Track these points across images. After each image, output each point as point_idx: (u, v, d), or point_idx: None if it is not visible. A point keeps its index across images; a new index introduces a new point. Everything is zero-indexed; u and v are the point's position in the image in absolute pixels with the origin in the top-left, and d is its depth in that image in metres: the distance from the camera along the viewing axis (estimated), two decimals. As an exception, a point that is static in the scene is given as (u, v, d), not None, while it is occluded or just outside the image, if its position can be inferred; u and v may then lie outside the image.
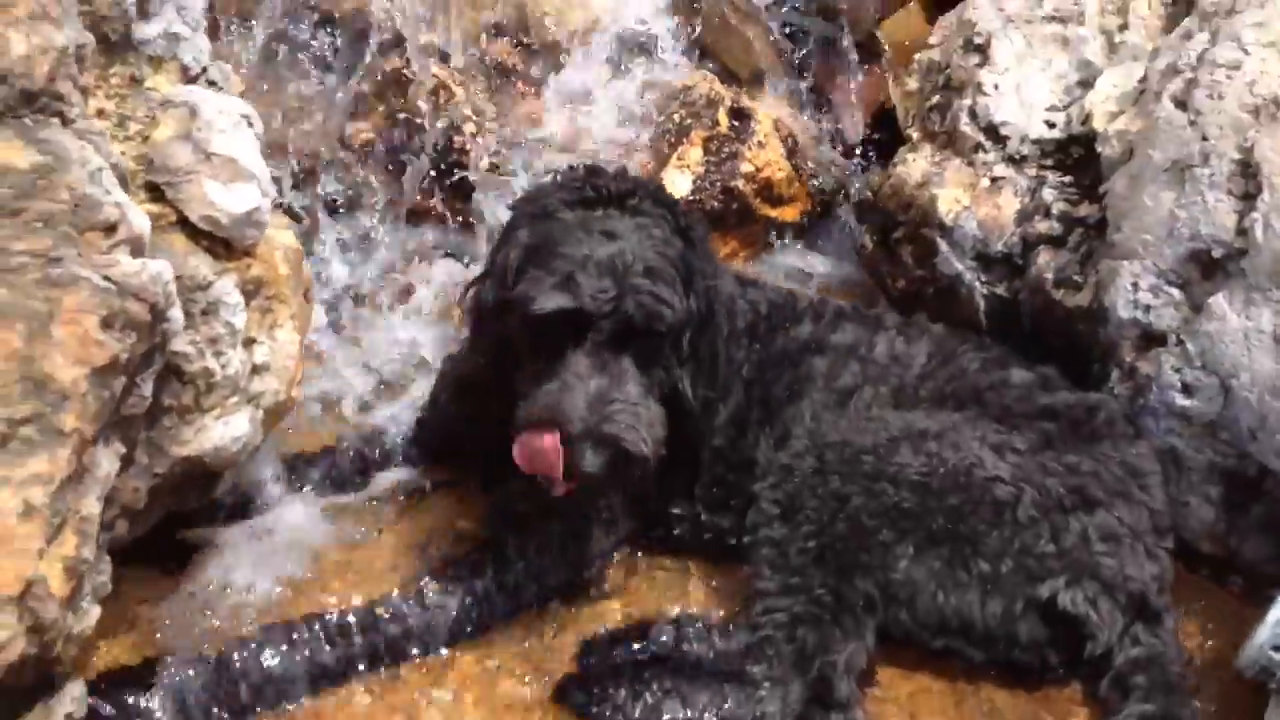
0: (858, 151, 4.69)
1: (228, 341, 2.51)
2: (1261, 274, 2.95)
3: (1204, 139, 3.10)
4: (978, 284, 3.66)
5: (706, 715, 2.70)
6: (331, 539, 3.07)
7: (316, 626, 2.73)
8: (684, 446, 2.99)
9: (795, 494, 2.91)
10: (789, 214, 4.41)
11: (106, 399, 2.02)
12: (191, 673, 2.55)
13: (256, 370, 2.64)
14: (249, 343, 2.62)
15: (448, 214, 4.12)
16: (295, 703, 2.64)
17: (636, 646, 2.88)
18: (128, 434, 2.21)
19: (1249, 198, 3.00)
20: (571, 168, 3.01)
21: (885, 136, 4.62)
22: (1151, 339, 3.20)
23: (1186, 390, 3.11)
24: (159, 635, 2.71)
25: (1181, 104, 3.17)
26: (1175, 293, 3.15)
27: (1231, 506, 3.16)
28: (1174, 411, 3.14)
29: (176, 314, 2.29)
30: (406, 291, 3.98)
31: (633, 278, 2.70)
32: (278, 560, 2.95)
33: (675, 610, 3.03)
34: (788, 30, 4.66)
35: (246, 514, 3.05)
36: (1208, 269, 3.09)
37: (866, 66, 4.72)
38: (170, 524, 2.80)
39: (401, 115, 4.04)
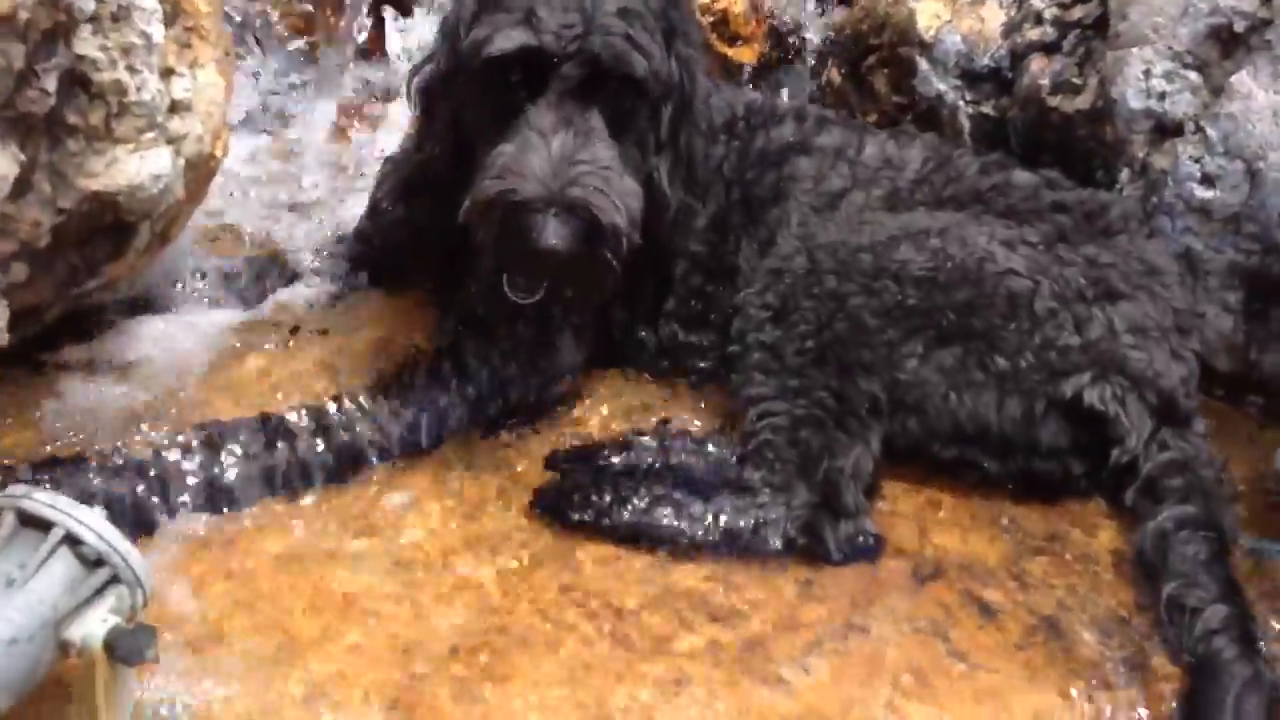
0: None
1: (142, 56, 2.14)
2: (1291, 42, 2.68)
3: (1219, -97, 2.82)
4: (962, 103, 3.41)
5: (703, 524, 2.36)
6: (258, 347, 2.72)
7: (259, 426, 2.37)
8: (656, 253, 2.67)
9: (787, 296, 2.61)
10: (746, 54, 4.08)
11: (2, 69, 1.62)
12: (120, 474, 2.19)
13: (176, 108, 2.29)
14: (167, 73, 2.27)
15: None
16: (240, 509, 2.30)
17: (616, 459, 2.54)
18: (26, 140, 1.89)
19: (1275, -39, 2.72)
20: None
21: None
22: (1166, 130, 2.94)
23: (1207, 181, 2.85)
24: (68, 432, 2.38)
25: None
26: (1193, 75, 2.89)
27: (1252, 314, 2.92)
28: (1192, 207, 2.88)
29: (85, -1, 1.91)
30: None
31: (603, 16, 2.37)
32: (196, 362, 2.61)
33: (654, 420, 2.72)
34: None
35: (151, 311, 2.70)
36: (1228, 46, 2.83)
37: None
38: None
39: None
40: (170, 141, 2.25)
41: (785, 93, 3.97)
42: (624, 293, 2.70)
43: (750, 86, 4.04)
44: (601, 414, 2.71)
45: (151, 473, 2.22)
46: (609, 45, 2.37)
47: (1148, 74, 2.92)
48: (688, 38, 2.61)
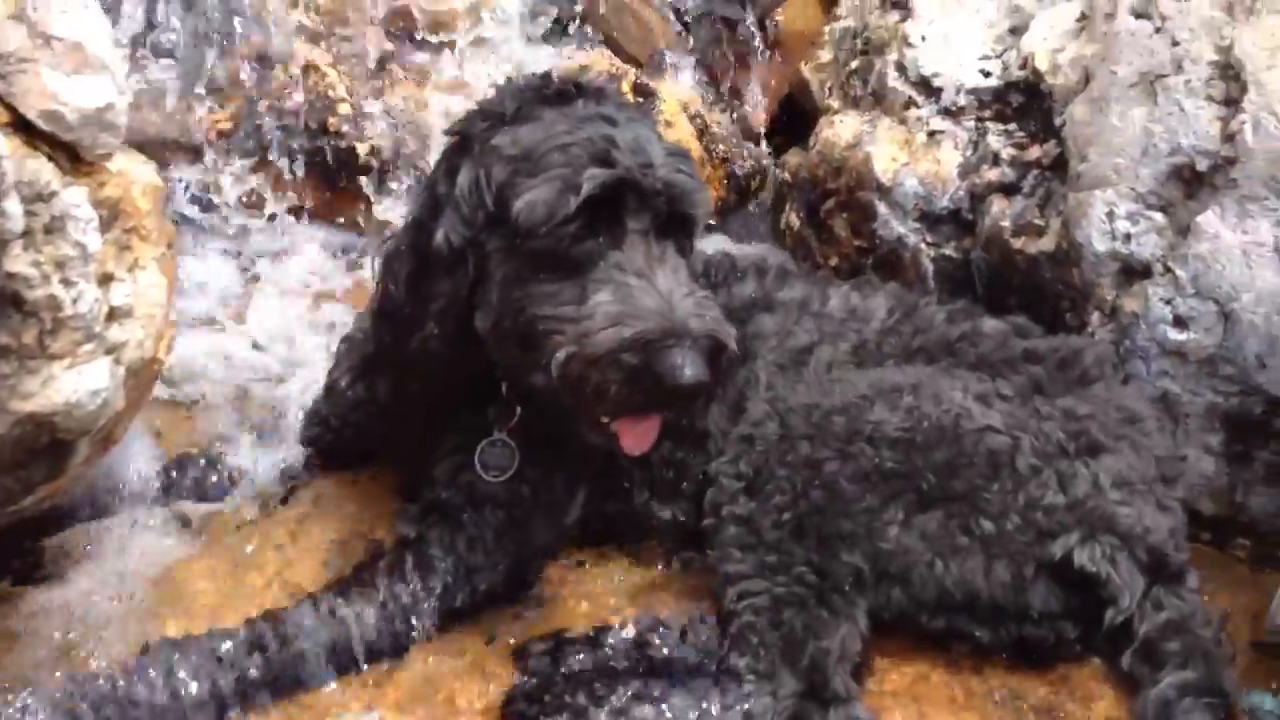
0: (764, 141, 4.33)
1: (78, 267, 2.04)
2: (1256, 181, 2.67)
3: (1174, 44, 2.84)
4: (923, 246, 3.36)
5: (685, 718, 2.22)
6: (206, 552, 2.58)
7: (199, 648, 2.22)
8: None
9: (760, 465, 2.51)
10: (703, 201, 4.01)
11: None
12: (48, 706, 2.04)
13: (115, 315, 2.18)
14: (106, 279, 2.16)
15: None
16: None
17: (591, 654, 2.40)
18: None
19: (1232, 102, 2.73)
20: (509, 79, 2.56)
21: (791, 125, 4.32)
22: (1134, 272, 2.90)
23: (1180, 323, 2.79)
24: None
25: (1143, 14, 2.90)
26: (1157, 217, 2.86)
27: (1234, 457, 2.85)
28: (1167, 349, 2.83)
29: (13, 208, 1.84)
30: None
31: (661, 155, 2.32)
32: (138, 575, 2.47)
33: (631, 611, 2.56)
34: (686, 16, 4.31)
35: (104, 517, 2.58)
36: (1191, 186, 2.80)
37: (769, 53, 4.39)
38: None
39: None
40: (109, 351, 2.14)
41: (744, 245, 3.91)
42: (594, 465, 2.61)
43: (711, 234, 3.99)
44: (575, 600, 2.57)
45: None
46: (684, 181, 2.33)
47: (1111, 215, 2.89)
48: None
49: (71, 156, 2.12)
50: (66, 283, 2.03)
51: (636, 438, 2.31)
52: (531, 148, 2.31)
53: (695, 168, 2.39)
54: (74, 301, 2.04)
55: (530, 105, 2.38)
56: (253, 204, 3.66)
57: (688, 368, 2.14)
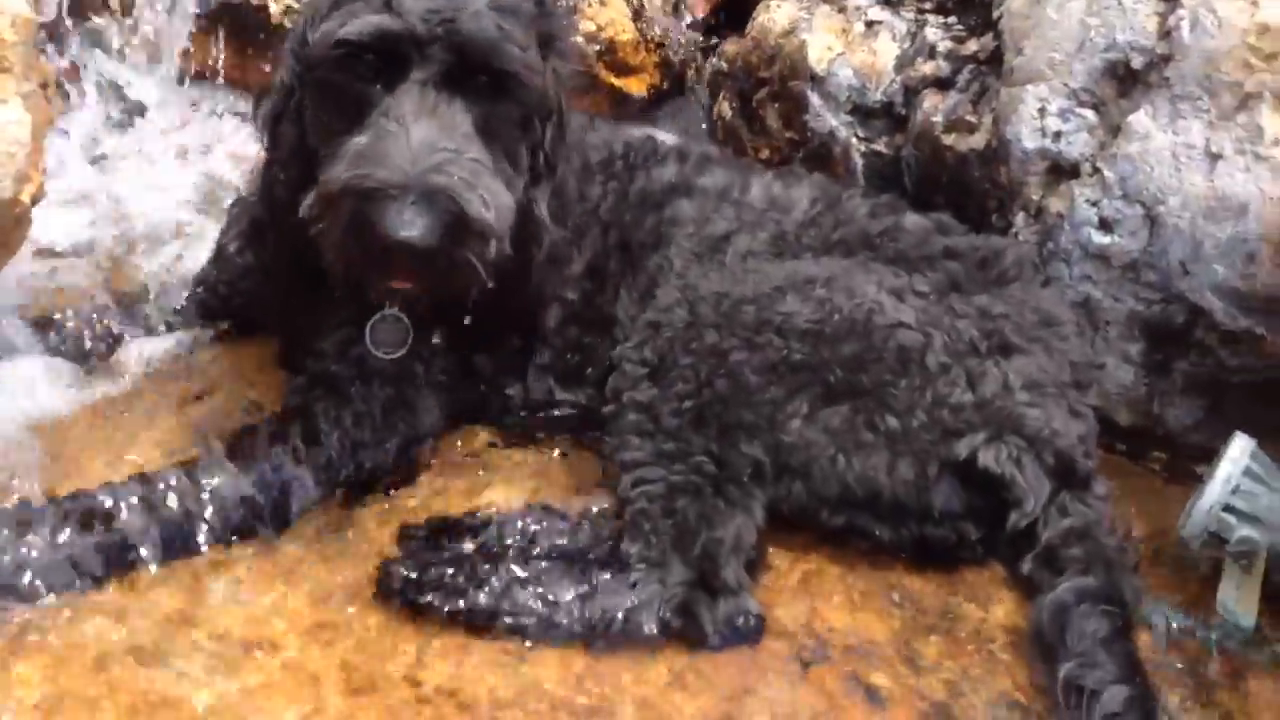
0: (703, 27, 4.17)
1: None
2: (1190, 80, 2.58)
3: (1116, -65, 2.69)
4: (854, 140, 3.27)
5: (567, 604, 2.15)
6: (78, 408, 2.46)
7: (71, 507, 2.12)
8: (526, 295, 2.47)
9: (665, 352, 2.42)
10: (635, 85, 3.90)
11: None
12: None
13: None
14: None
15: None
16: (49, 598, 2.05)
17: (476, 538, 2.32)
18: None
19: (1172, -4, 2.60)
20: None
21: (733, 12, 4.11)
22: (1062, 171, 2.80)
23: (1105, 226, 2.72)
24: None
25: (1087, -98, 2.76)
26: (1089, 115, 2.77)
27: (1154, 366, 2.79)
28: (1090, 253, 2.75)
29: None
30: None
31: (473, 4, 2.17)
32: (11, 435, 2.34)
33: (522, 497, 2.48)
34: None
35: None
36: (1125, 83, 2.71)
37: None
38: None
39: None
40: (-44, 193, 2.00)
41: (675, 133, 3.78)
42: (489, 339, 2.51)
43: (642, 119, 3.86)
44: (465, 483, 2.48)
45: None
46: (480, 31, 2.16)
47: (1043, 112, 2.80)
48: (563, 53, 2.43)
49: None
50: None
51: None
52: None
53: (520, 24, 2.24)
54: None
55: None
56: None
57: (402, 224, 1.98)
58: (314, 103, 2.26)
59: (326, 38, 2.18)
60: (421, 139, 2.07)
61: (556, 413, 2.70)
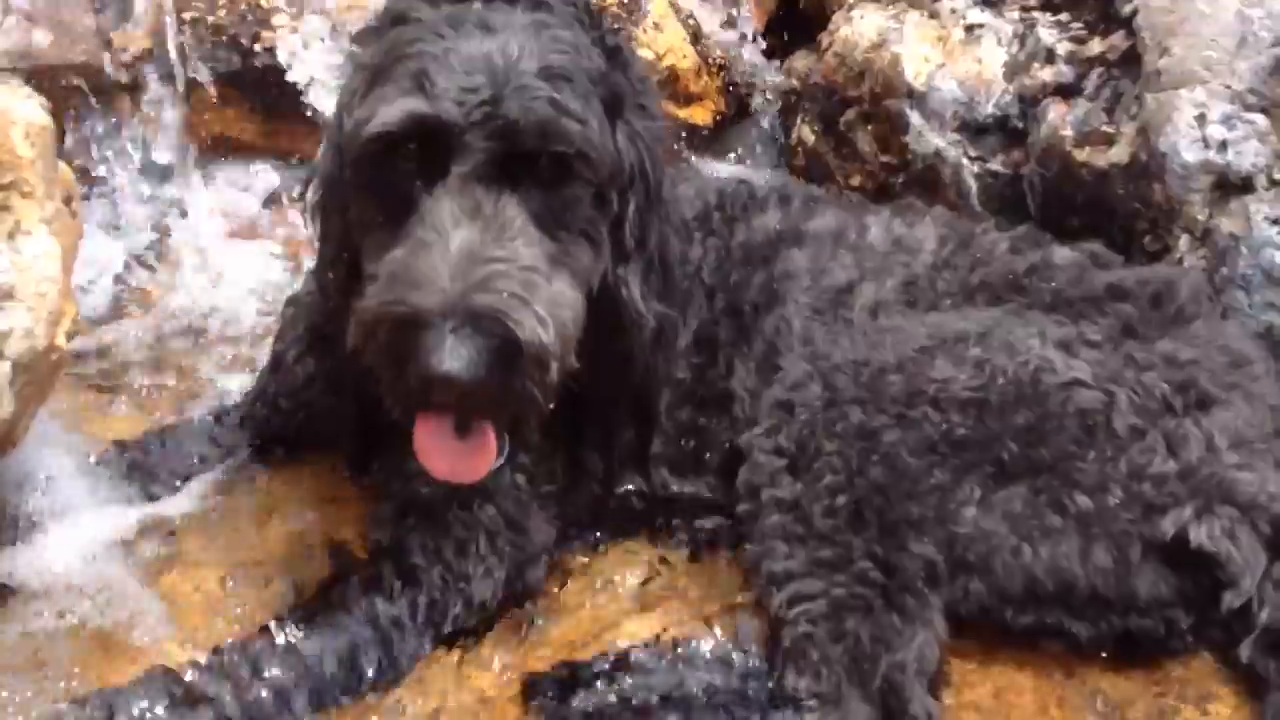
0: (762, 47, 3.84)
1: (-64, 244, 1.59)
2: (1389, 70, 2.22)
3: (1276, -90, 2.39)
4: (965, 160, 2.99)
5: (736, 764, 1.81)
6: (142, 566, 2.15)
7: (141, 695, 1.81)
8: (634, 383, 2.16)
9: (804, 438, 2.12)
10: (699, 115, 3.60)
11: None
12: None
13: None
14: None
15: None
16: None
17: (608, 685, 1.98)
18: None
19: (1355, -26, 2.28)
20: None
21: (790, 24, 3.86)
22: (1231, 186, 2.52)
23: (1290, 246, 2.37)
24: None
25: (1233, -126, 2.44)
26: (1259, 120, 2.49)
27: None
28: (1275, 277, 2.46)
29: None
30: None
31: (519, 77, 1.84)
32: (57, 606, 2.04)
33: (658, 625, 2.13)
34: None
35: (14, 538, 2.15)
36: (1300, 80, 2.36)
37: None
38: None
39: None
40: (-11, 348, 1.68)
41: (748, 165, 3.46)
42: (599, 435, 2.22)
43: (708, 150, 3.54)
44: (587, 607, 2.15)
45: None
46: (529, 110, 1.83)
47: (1202, 120, 2.51)
48: (642, 108, 2.09)
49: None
50: (-78, 264, 1.58)
51: (431, 445, 1.85)
52: (380, 60, 1.93)
53: (577, 91, 1.90)
54: (-65, 288, 1.59)
55: (420, 2, 1.96)
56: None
57: (444, 355, 1.68)
58: (356, 200, 1.96)
59: (358, 129, 1.88)
60: (463, 250, 1.76)
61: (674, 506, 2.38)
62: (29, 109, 1.84)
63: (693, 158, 3.57)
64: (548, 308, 1.80)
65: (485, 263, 1.76)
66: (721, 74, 3.62)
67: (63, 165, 1.95)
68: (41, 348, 1.78)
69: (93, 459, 2.35)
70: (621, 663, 2.01)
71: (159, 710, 1.78)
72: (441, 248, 1.76)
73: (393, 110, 1.82)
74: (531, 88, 1.84)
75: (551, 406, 1.87)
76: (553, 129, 1.85)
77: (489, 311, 1.72)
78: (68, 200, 1.93)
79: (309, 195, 2.14)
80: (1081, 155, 2.72)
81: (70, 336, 1.91)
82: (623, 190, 2.02)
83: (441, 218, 1.79)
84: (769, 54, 3.78)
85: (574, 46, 1.93)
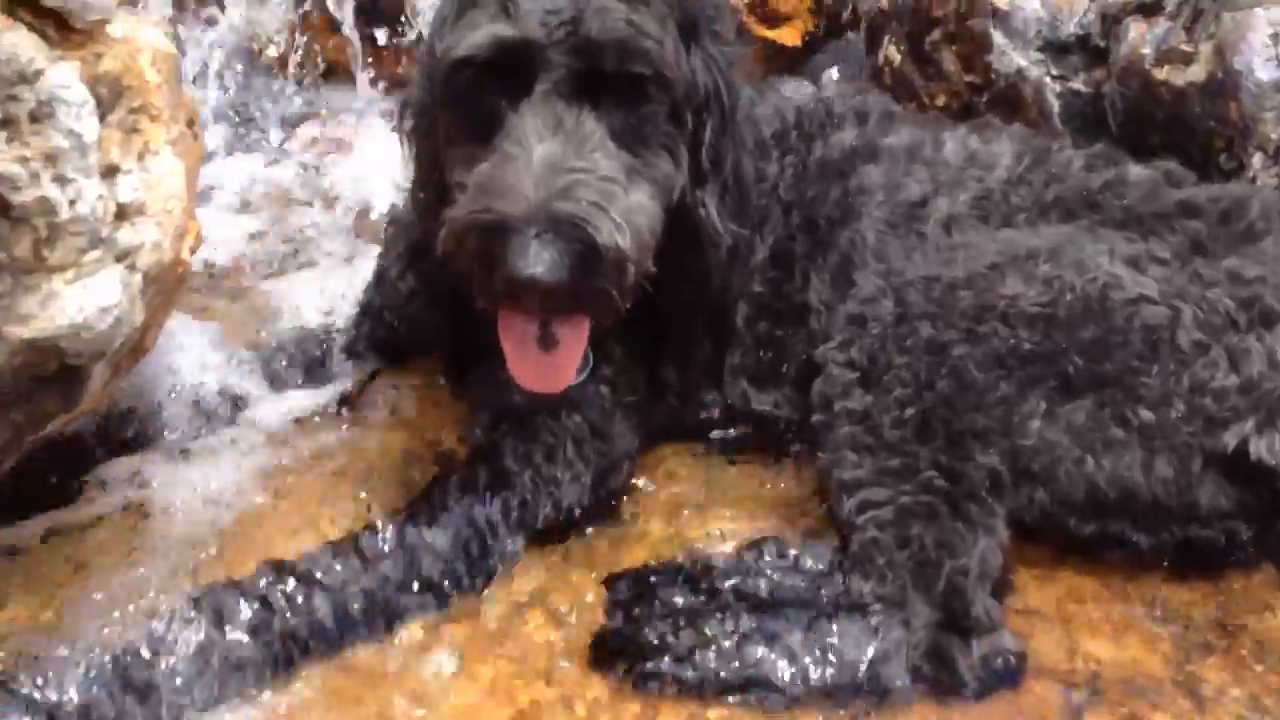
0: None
1: (75, 161, 1.71)
2: None
3: None
4: (1048, 79, 2.97)
5: (805, 660, 1.92)
6: (271, 473, 2.29)
7: (265, 583, 1.95)
8: (711, 298, 2.26)
9: (875, 351, 2.17)
10: (788, 35, 3.63)
11: None
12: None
13: (124, 213, 1.84)
14: (110, 172, 1.82)
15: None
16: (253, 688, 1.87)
17: (686, 586, 2.09)
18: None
19: None
20: None
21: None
22: None
23: (1365, 163, 2.36)
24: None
25: None
26: (1337, 35, 2.40)
27: None
28: (1347, 194, 2.39)
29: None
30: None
31: (598, 0, 1.92)
32: (191, 504, 2.20)
33: (732, 526, 2.25)
34: None
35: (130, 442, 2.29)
36: (1381, -3, 2.33)
37: None
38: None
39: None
40: (120, 258, 1.81)
41: (834, 73, 3.47)
42: (676, 349, 2.31)
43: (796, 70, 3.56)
44: (667, 511, 2.26)
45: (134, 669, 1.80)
46: (608, 30, 1.92)
47: (1276, 38, 2.49)
48: (716, 34, 2.16)
49: (59, 25, 1.77)
50: (61, 180, 1.70)
51: (520, 359, 1.98)
52: None
53: (654, 14, 1.98)
54: (72, 203, 1.72)
55: None
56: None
57: (528, 260, 1.77)
58: (446, 121, 2.06)
59: (447, 54, 1.98)
60: (545, 161, 1.86)
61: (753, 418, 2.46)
62: (155, 37, 1.95)
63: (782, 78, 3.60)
64: (624, 215, 1.89)
65: (566, 173, 1.86)
66: (811, -8, 3.64)
67: (185, 89, 2.08)
68: (169, 260, 1.90)
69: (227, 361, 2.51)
70: (697, 566, 2.10)
71: (276, 597, 1.92)
72: (525, 159, 1.86)
73: (479, 35, 1.92)
74: (610, 9, 1.92)
75: (628, 309, 1.96)
76: (631, 48, 1.94)
77: (569, 218, 1.81)
78: (190, 123, 2.05)
79: (403, 119, 2.24)
80: (1161, 74, 2.70)
81: (193, 251, 2.04)
82: (699, 111, 2.10)
83: (525, 132, 1.89)
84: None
85: None
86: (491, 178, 1.88)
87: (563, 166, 1.86)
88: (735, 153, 2.21)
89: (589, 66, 1.92)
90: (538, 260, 1.77)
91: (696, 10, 2.09)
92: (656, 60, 1.96)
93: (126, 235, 1.84)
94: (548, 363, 1.97)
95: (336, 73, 3.58)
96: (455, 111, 2.02)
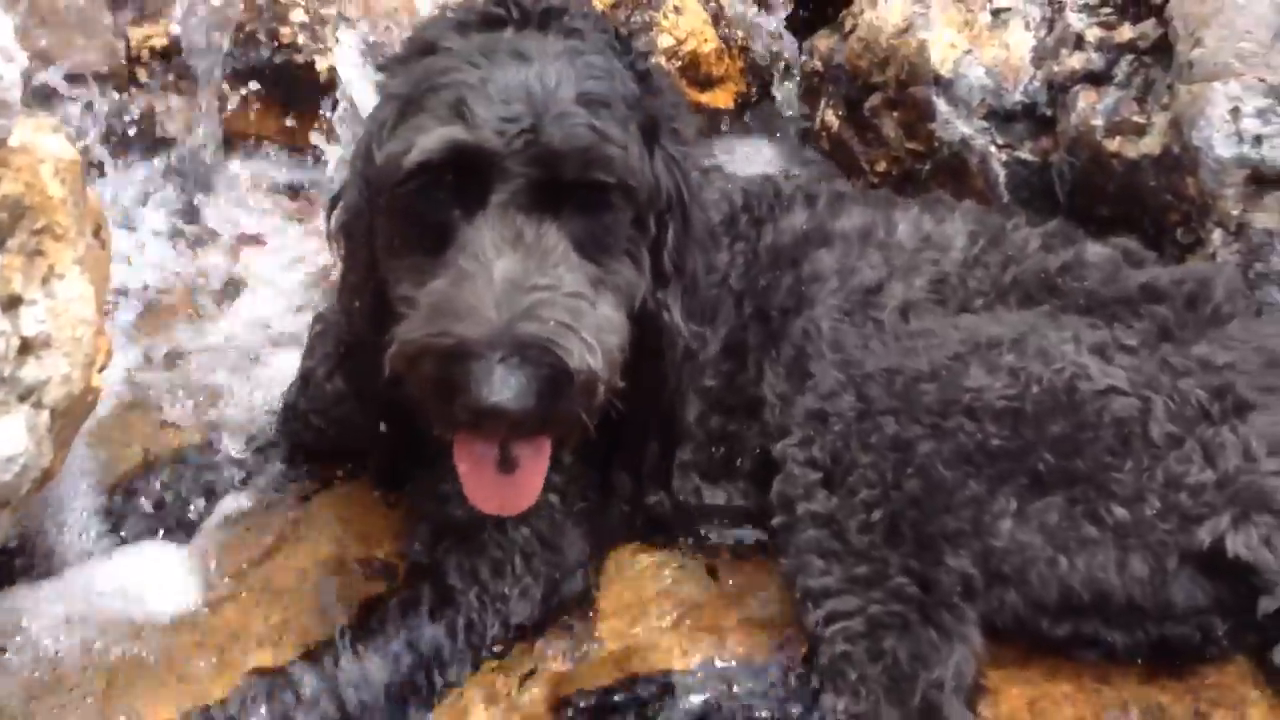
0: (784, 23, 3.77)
1: (-32, 297, 1.57)
2: None
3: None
4: (993, 149, 2.94)
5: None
6: (179, 599, 2.12)
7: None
8: (663, 398, 2.15)
9: (838, 449, 2.08)
10: (721, 99, 3.55)
11: None
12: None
13: (29, 347, 1.71)
14: (13, 303, 1.70)
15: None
16: None
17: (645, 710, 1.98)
18: None
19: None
20: None
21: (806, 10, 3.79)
22: (1267, 181, 2.45)
23: (1327, 243, 2.33)
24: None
25: None
26: (1296, 112, 2.37)
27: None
28: (1312, 275, 2.37)
29: None
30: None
31: (558, 105, 1.82)
32: (104, 637, 2.01)
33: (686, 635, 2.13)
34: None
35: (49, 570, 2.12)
36: (1338, 76, 2.31)
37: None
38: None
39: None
40: (25, 397, 1.67)
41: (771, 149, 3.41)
42: (624, 452, 2.20)
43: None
44: (618, 621, 2.15)
45: None
46: (570, 138, 1.81)
47: (1236, 113, 2.45)
48: (675, 133, 2.06)
49: (-56, 146, 1.62)
50: (-46, 319, 1.55)
51: (477, 481, 1.86)
52: (412, 90, 1.91)
53: (616, 117, 1.89)
54: (-32, 343, 1.57)
55: (449, 31, 1.95)
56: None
57: (493, 387, 1.66)
58: (386, 231, 1.93)
59: (393, 160, 1.86)
60: (507, 278, 1.75)
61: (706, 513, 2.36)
62: (56, 144, 1.79)
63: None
64: (594, 333, 1.79)
65: (530, 291, 1.74)
66: (743, 55, 3.56)
67: (90, 192, 1.92)
68: (79, 391, 1.75)
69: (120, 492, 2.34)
70: (656, 689, 1.99)
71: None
72: (485, 277, 1.75)
73: (432, 139, 1.80)
74: (571, 115, 1.82)
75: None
76: (595, 155, 1.84)
77: (537, 341, 1.70)
78: (97, 231, 1.90)
79: (332, 221, 2.11)
80: (1112, 145, 2.67)
81: (103, 369, 1.89)
82: (660, 215, 2.00)
83: (483, 247, 1.78)
84: (790, 30, 3.72)
85: (608, 73, 1.92)
86: (448, 297, 1.76)
87: (526, 284, 1.74)
88: (695, 253, 2.11)
89: (549, 176, 1.81)
90: (504, 387, 1.65)
91: (657, 110, 2.00)
92: (620, 168, 1.86)
93: (32, 371, 1.71)
94: (508, 484, 1.85)
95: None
96: (399, 220, 1.89)
